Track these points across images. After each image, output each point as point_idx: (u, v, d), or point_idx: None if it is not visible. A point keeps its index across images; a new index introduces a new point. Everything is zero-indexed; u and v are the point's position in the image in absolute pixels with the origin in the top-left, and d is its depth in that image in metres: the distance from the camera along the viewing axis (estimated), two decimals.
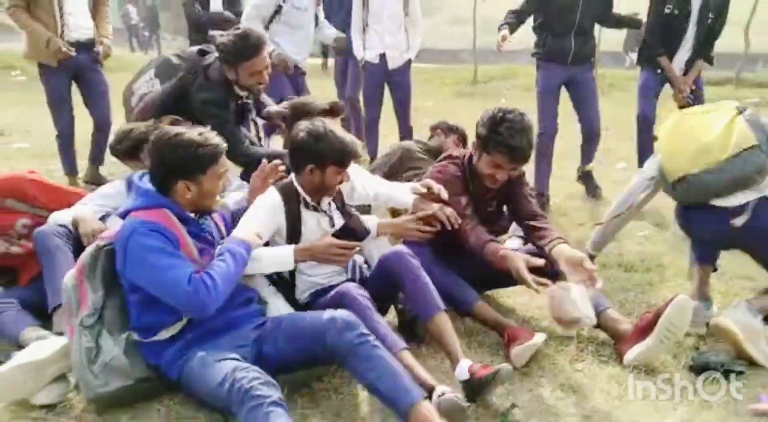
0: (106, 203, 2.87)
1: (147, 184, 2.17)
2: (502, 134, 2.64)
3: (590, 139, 4.98)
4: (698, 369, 2.42)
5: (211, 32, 5.20)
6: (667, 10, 4.47)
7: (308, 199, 2.49)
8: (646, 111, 5.00)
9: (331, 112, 3.28)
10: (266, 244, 2.39)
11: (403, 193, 2.84)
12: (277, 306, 2.37)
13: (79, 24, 4.42)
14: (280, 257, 2.36)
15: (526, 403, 2.20)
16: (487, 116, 2.71)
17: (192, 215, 2.19)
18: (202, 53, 3.51)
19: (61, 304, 2.34)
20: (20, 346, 2.32)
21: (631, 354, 2.44)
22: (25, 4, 4.26)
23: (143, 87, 3.54)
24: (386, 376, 1.95)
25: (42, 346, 2.18)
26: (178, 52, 3.72)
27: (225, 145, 2.17)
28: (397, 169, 3.94)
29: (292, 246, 2.38)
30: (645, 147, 4.92)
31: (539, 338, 2.49)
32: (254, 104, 3.60)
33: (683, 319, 2.40)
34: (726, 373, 2.38)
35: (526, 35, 5.03)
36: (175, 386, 2.11)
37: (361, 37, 5.14)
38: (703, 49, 4.56)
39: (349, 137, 2.45)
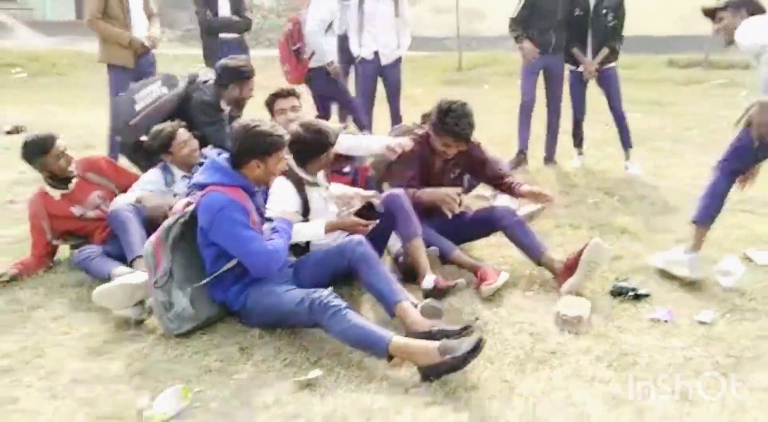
0: (149, 187, 3.68)
1: (224, 161, 2.85)
2: (448, 123, 3.48)
3: (554, 121, 6.19)
4: (615, 293, 3.21)
5: (221, 35, 6.00)
6: (575, 13, 5.57)
7: (308, 177, 3.27)
8: (578, 109, 6.32)
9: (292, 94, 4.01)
10: None
11: (375, 141, 3.83)
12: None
13: (141, 33, 5.19)
14: (314, 230, 3.14)
15: (486, 318, 2.98)
16: (436, 107, 3.53)
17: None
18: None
19: (138, 256, 3.12)
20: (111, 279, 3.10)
21: (565, 286, 3.21)
22: (101, 16, 5.05)
23: (153, 93, 4.14)
24: (383, 280, 2.80)
25: (135, 275, 2.94)
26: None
27: (286, 137, 2.90)
28: None
29: (323, 222, 3.14)
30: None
31: (503, 278, 3.27)
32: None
33: (599, 256, 3.19)
34: (636, 297, 3.18)
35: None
36: (236, 315, 2.89)
37: (357, 36, 5.89)
38: (608, 41, 5.61)
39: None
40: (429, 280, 3.12)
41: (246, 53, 6.36)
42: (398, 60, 6.01)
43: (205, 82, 4.23)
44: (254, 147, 2.81)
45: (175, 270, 2.83)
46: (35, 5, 25.98)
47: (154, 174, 3.77)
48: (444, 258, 3.50)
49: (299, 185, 3.25)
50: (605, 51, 5.66)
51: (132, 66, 5.15)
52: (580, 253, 3.21)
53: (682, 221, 4.29)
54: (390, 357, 2.49)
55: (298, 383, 2.42)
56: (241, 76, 4.10)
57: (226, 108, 4.20)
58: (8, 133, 7.74)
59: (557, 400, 2.33)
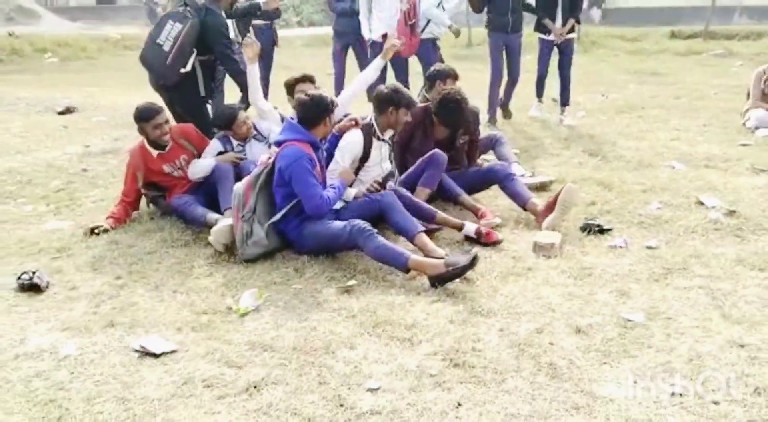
0: (215, 153, 4.57)
1: (297, 124, 3.73)
2: (443, 115, 4.49)
3: (512, 82, 7.42)
4: (584, 228, 4.04)
5: (254, 21, 6.81)
6: None
7: (380, 133, 4.12)
8: (542, 70, 7.67)
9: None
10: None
11: (367, 72, 4.80)
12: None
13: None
14: (348, 193, 3.98)
15: (483, 252, 3.83)
16: (438, 97, 4.45)
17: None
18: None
19: (229, 207, 3.99)
20: (206, 225, 4.05)
21: (545, 223, 4.06)
22: None
23: (172, 32, 4.63)
24: (405, 219, 3.73)
25: (228, 219, 3.85)
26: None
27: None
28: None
29: (354, 191, 4.01)
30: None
31: (496, 220, 4.15)
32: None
33: (573, 197, 4.03)
34: (601, 231, 4.01)
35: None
36: (292, 244, 3.79)
37: (368, 21, 6.71)
38: (572, 13, 7.14)
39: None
40: (470, 228, 3.96)
41: (276, 40, 7.22)
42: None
43: (204, 3, 4.87)
44: (324, 110, 3.72)
45: (258, 207, 3.73)
46: None
47: (216, 143, 4.64)
48: (455, 200, 4.42)
49: (368, 138, 4.08)
50: (572, 21, 7.26)
51: None
52: (557, 196, 4.05)
53: (651, 175, 5.14)
54: (407, 271, 3.36)
55: (339, 289, 3.31)
56: None
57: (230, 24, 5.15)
58: (60, 113, 8.63)
59: (529, 297, 3.20)
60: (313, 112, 3.73)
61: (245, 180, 3.84)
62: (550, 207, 4.08)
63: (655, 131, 6.96)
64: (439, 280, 3.29)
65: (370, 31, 6.72)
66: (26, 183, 5.37)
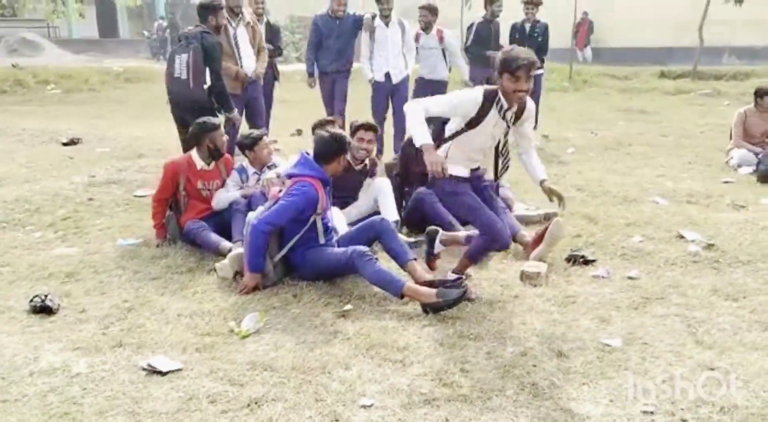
0: (234, 184, 4.83)
1: (312, 159, 3.92)
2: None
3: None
4: (569, 259, 4.25)
5: None
6: (515, 37, 8.27)
7: (504, 101, 3.52)
8: None
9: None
10: (444, 123, 3.70)
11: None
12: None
13: (248, 65, 6.32)
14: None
15: (472, 274, 4.02)
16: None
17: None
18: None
19: (241, 239, 4.20)
20: (218, 252, 4.28)
21: (533, 254, 4.26)
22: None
23: (182, 63, 5.46)
24: (399, 245, 3.92)
25: (239, 250, 4.03)
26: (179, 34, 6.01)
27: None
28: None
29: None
30: None
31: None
32: None
33: (560, 232, 4.25)
34: (585, 262, 4.22)
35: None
36: (294, 269, 3.97)
37: (369, 62, 7.09)
38: (538, 53, 7.47)
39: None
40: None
41: (277, 75, 7.55)
42: (406, 78, 7.19)
43: (197, 30, 5.58)
44: (340, 148, 3.93)
45: (270, 244, 3.89)
46: (60, 24, 27.33)
47: (235, 175, 4.89)
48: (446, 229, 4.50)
49: (488, 101, 3.53)
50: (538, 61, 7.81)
51: (240, 93, 6.30)
52: (545, 229, 4.27)
53: (635, 210, 5.36)
54: (402, 296, 3.56)
55: (336, 313, 3.50)
56: (215, 7, 5.55)
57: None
58: (64, 144, 8.84)
59: (515, 323, 3.39)
60: (330, 150, 3.93)
61: (266, 206, 4.04)
62: (539, 239, 4.29)
63: (642, 167, 7.22)
64: (430, 308, 3.47)
65: (372, 71, 7.08)
66: (34, 211, 5.56)
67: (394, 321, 3.42)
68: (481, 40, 8.26)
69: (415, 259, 3.92)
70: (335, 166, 3.99)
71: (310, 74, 7.43)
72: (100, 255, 4.47)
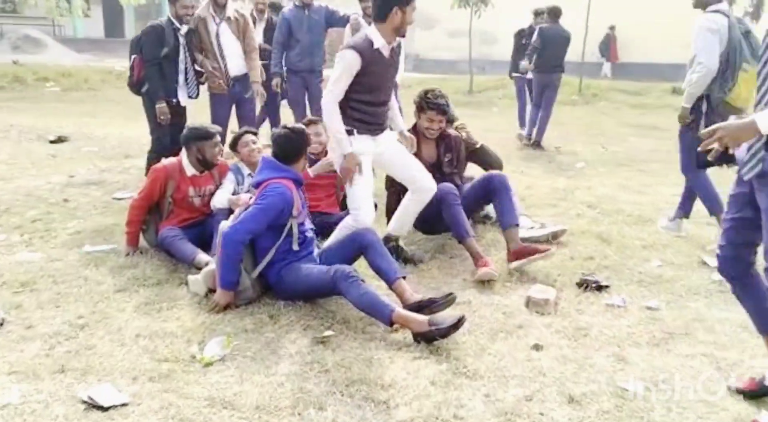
0: (230, 185, 4.40)
1: (275, 160, 3.55)
2: (429, 99, 4.50)
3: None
4: (580, 284, 3.81)
5: None
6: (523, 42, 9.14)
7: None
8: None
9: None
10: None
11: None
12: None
13: (233, 65, 5.82)
14: None
15: (470, 298, 3.59)
16: (418, 94, 4.54)
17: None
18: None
19: None
20: (193, 265, 3.86)
21: (512, 264, 3.98)
22: (198, 51, 5.73)
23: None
24: (386, 261, 3.48)
25: (213, 267, 3.61)
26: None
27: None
28: None
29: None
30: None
31: (494, 274, 3.86)
32: None
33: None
34: (598, 287, 3.79)
35: None
36: (272, 287, 3.54)
37: None
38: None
39: None
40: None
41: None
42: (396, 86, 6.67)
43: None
44: (304, 140, 3.58)
45: (245, 258, 3.50)
46: (66, 22, 27.08)
47: (230, 175, 4.47)
48: (459, 239, 4.11)
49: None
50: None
51: (226, 93, 5.86)
52: (536, 251, 3.93)
53: (651, 231, 4.93)
54: (392, 324, 3.12)
55: (314, 339, 3.06)
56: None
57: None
58: (52, 142, 8.47)
59: (519, 358, 2.95)
60: (295, 145, 3.57)
61: (233, 216, 3.66)
62: (522, 253, 3.96)
63: (655, 185, 6.79)
64: (422, 337, 3.05)
65: None
66: (2, 211, 5.15)
67: (381, 350, 2.99)
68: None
69: (404, 277, 3.49)
70: (302, 162, 3.66)
71: (277, 75, 6.76)
72: (63, 263, 4.05)
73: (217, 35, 5.71)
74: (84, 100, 14.56)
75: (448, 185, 4.22)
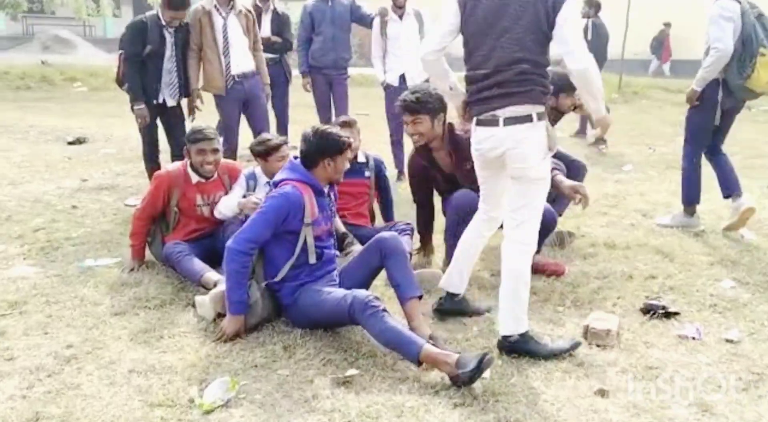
0: (239, 191, 3.95)
1: (297, 163, 3.11)
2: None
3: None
4: (645, 310, 3.29)
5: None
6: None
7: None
8: None
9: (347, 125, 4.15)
10: None
11: None
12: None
13: (239, 63, 5.21)
14: None
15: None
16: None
17: (325, 189, 3.13)
18: None
19: None
20: (201, 285, 3.44)
21: None
22: (197, 49, 5.13)
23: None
24: (402, 274, 3.02)
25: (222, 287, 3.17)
26: None
27: (350, 140, 3.14)
28: None
29: None
30: None
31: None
32: None
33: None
34: (666, 314, 3.26)
35: None
36: (284, 311, 3.10)
37: (382, 62, 6.04)
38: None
39: None
40: None
41: (288, 72, 6.56)
42: (426, 81, 6.09)
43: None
44: (325, 146, 3.04)
45: (257, 267, 3.10)
46: (96, 23, 27.13)
47: (242, 181, 4.03)
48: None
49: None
50: None
51: (224, 93, 5.27)
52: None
53: (717, 244, 4.38)
54: (420, 363, 2.64)
55: (335, 380, 2.59)
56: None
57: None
58: (70, 143, 8.16)
59: (581, 407, 2.45)
60: (311, 150, 3.08)
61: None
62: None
63: (711, 190, 6.14)
64: (456, 381, 2.56)
65: (384, 73, 6.08)
66: (5, 219, 4.79)
67: (414, 395, 2.51)
68: None
69: (420, 297, 3.02)
70: (322, 170, 3.10)
71: (305, 73, 6.29)
72: (60, 280, 3.65)
73: (224, 30, 5.16)
74: (111, 100, 14.25)
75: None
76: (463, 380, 2.50)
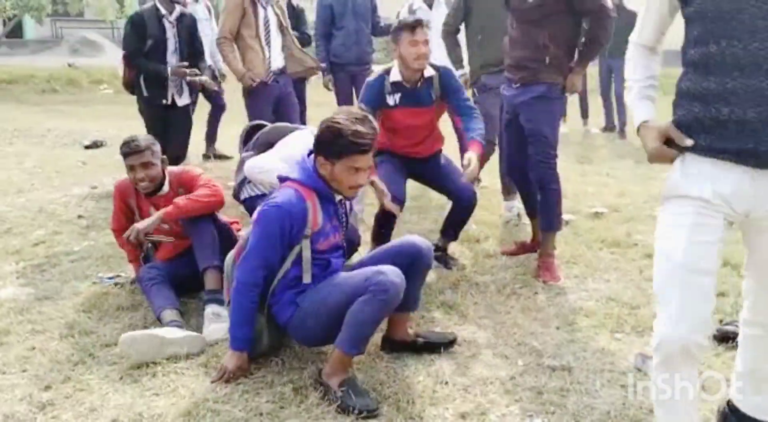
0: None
1: (310, 162, 2.58)
2: None
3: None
4: (719, 338, 2.81)
5: None
6: None
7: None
8: None
9: None
10: None
11: None
12: None
13: (276, 56, 4.81)
14: None
15: (570, 363, 2.65)
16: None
17: (338, 198, 2.61)
18: None
19: (209, 266, 3.08)
20: (159, 320, 2.97)
21: None
22: (231, 37, 4.66)
23: None
24: (412, 285, 2.58)
25: (171, 330, 2.76)
26: None
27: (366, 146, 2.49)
28: None
29: None
30: None
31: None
32: None
33: None
34: None
35: None
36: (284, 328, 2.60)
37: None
38: None
39: None
40: None
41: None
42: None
43: None
44: (328, 144, 2.49)
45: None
46: (122, 24, 27.14)
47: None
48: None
49: None
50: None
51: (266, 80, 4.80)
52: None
53: None
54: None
55: None
56: None
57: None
58: (87, 147, 7.90)
59: None
60: (320, 145, 2.53)
61: (237, 244, 2.76)
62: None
63: None
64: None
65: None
66: (5, 232, 4.46)
67: None
68: None
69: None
70: (330, 172, 2.54)
71: (326, 71, 5.81)
72: (51, 304, 3.28)
73: (266, 21, 4.74)
74: (136, 103, 14.11)
75: None
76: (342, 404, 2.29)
